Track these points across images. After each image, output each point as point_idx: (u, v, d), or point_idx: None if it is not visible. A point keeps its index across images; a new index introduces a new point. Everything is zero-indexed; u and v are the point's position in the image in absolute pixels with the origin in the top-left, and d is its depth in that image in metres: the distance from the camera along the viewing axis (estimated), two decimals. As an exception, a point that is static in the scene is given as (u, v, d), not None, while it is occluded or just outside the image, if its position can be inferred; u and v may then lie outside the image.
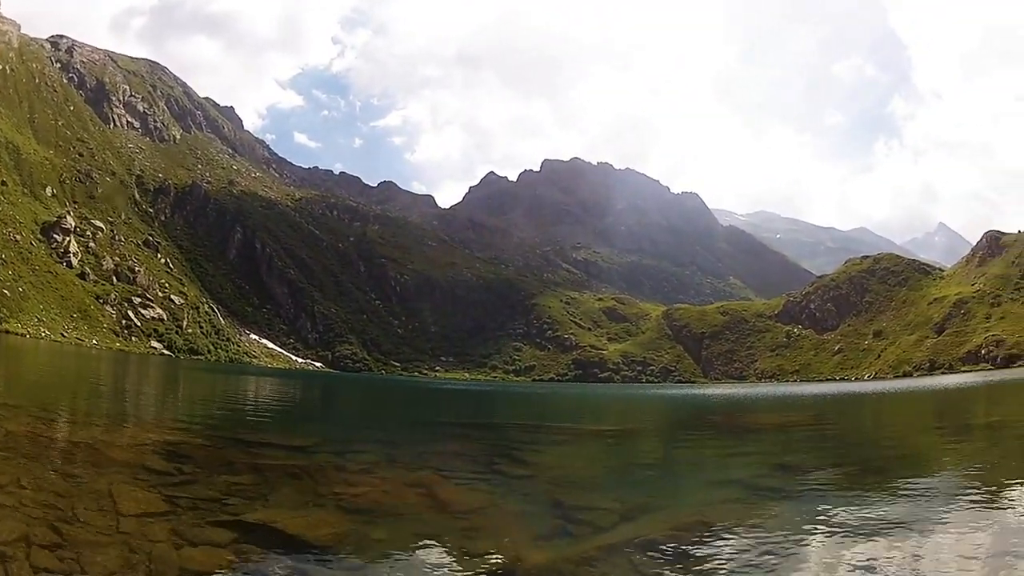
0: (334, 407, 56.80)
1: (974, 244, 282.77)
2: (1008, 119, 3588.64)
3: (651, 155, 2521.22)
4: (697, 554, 11.41)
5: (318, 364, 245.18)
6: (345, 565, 10.79)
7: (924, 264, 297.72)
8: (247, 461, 18.30)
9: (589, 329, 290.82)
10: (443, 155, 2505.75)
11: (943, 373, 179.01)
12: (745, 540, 12.12)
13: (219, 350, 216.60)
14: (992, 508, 13.71)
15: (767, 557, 11.16)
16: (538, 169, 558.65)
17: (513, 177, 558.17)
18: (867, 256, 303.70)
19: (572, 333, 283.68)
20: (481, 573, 10.67)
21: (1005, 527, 12.26)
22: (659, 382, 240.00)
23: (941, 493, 15.57)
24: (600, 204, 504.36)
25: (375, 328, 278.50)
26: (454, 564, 11.16)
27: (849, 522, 13.08)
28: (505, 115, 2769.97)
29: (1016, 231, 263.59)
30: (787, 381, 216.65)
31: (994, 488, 15.76)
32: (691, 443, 33.63)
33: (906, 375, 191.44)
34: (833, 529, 12.67)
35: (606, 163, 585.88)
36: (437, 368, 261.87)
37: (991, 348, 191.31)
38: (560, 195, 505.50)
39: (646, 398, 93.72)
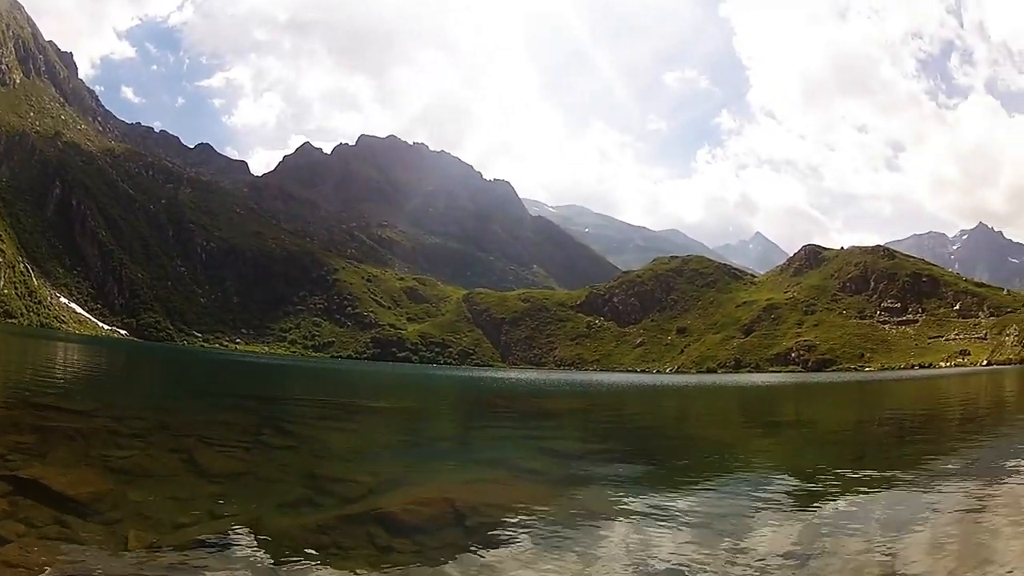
0: (126, 376, 55.71)
1: (791, 255, 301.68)
2: (842, 146, 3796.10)
3: (467, 141, 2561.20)
4: (428, 528, 11.63)
5: (123, 332, 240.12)
6: (99, 520, 11.09)
7: (735, 269, 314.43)
8: (33, 423, 18.89)
9: (389, 308, 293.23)
10: (260, 121, 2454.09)
11: (749, 372, 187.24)
12: (480, 519, 12.27)
13: (31, 313, 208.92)
14: (764, 501, 14.14)
15: (497, 533, 11.59)
16: (354, 143, 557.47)
17: (328, 149, 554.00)
18: (676, 256, 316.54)
19: (372, 311, 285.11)
20: (219, 534, 10.87)
21: (782, 523, 12.72)
22: (457, 364, 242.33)
23: (710, 485, 16.23)
24: (411, 185, 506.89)
25: (179, 297, 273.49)
26: (197, 525, 11.25)
27: (600, 508, 13.53)
28: (327, 87, 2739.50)
29: (839, 247, 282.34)
30: (587, 370, 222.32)
31: (775, 481, 16.86)
32: (467, 423, 34.15)
33: (710, 371, 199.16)
34: (578, 512, 13.06)
35: (421, 144, 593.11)
36: (238, 340, 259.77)
37: (802, 352, 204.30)
38: (373, 172, 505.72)
39: (435, 378, 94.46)
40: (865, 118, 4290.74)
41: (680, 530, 11.92)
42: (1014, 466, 17.44)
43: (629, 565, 10.13)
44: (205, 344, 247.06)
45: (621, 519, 12.70)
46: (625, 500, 14.16)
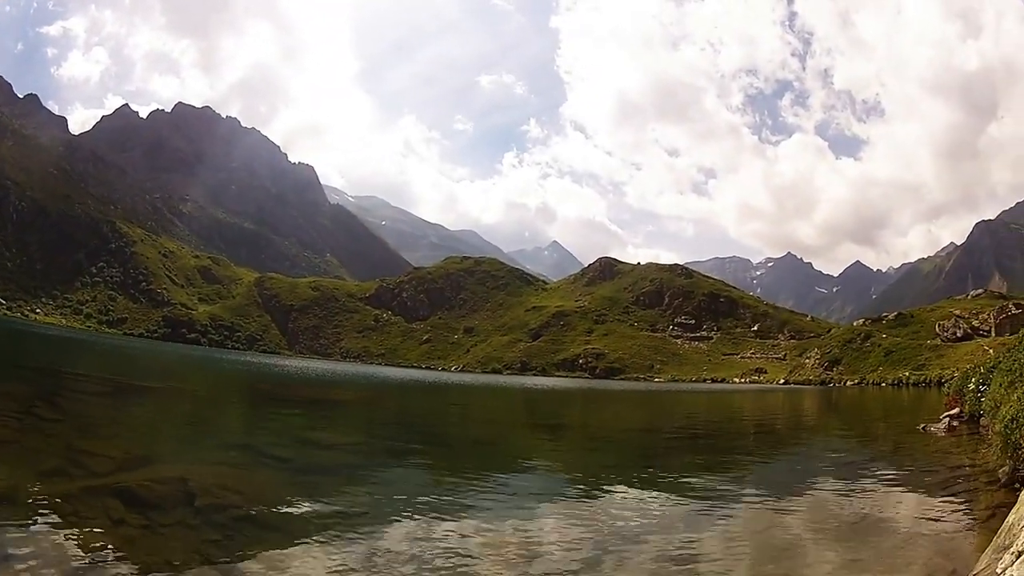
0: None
1: (586, 265, 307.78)
2: (650, 166, 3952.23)
3: (278, 119, 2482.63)
4: (160, 505, 11.53)
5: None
6: None
7: (527, 274, 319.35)
8: None
9: (182, 287, 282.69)
10: (84, 76, 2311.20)
11: (535, 375, 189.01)
12: (211, 500, 12.09)
13: None
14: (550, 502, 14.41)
15: (222, 515, 11.34)
16: (170, 110, 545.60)
17: (145, 114, 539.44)
18: (469, 257, 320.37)
19: (165, 288, 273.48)
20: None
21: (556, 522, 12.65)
22: (245, 349, 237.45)
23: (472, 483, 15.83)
24: (218, 159, 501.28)
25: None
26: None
27: (344, 500, 13.33)
28: (154, 47, 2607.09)
29: (635, 263, 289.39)
30: (372, 363, 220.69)
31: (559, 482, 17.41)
32: (237, 409, 33.95)
33: (495, 372, 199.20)
34: (317, 502, 12.95)
35: (234, 118, 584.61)
36: (38, 310, 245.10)
37: (590, 359, 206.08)
38: (183, 143, 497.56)
39: (219, 362, 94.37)
40: (678, 143, 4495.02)
41: (437, 526, 11.90)
42: (801, 472, 20.08)
43: (363, 559, 10.02)
44: (8, 312, 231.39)
45: (368, 513, 12.55)
46: (381, 494, 14.20)
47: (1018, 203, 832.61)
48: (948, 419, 28.22)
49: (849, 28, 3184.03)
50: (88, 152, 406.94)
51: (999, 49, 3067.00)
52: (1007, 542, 7.47)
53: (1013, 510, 8.47)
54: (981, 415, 23.58)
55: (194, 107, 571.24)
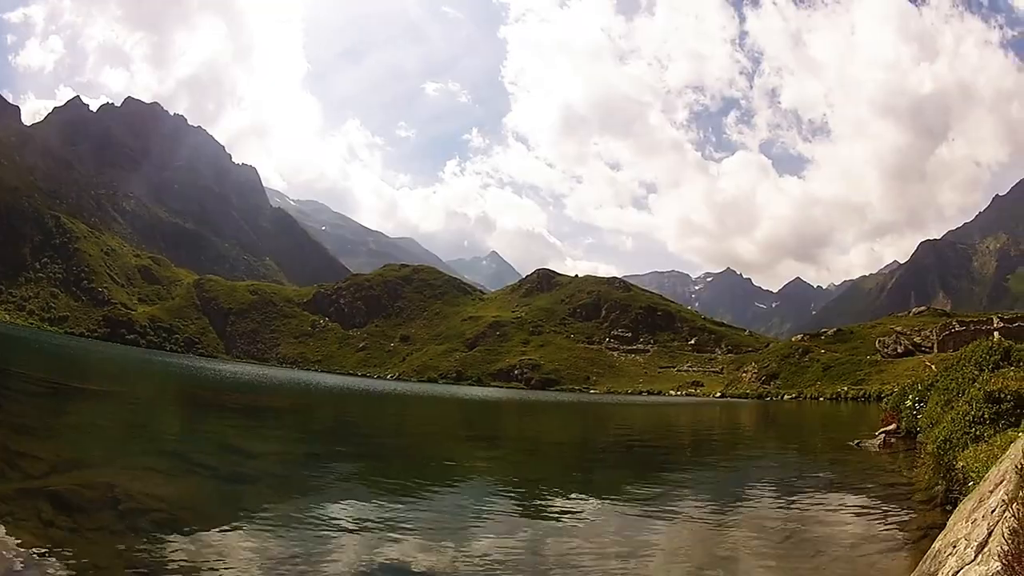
0: None
1: (524, 276, 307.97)
2: (591, 179, 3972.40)
3: (224, 117, 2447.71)
4: (87, 508, 11.82)
5: None
6: None
7: (465, 283, 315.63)
8: None
9: (123, 286, 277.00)
10: (39, 66, 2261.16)
11: (471, 385, 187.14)
12: (134, 505, 12.31)
13: None
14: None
15: (144, 521, 11.54)
16: (119, 105, 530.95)
17: (95, 107, 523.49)
18: (407, 265, 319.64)
19: (106, 287, 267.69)
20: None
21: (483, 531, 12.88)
22: (183, 352, 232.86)
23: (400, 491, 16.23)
24: (164, 157, 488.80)
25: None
26: None
27: (266, 510, 13.42)
28: (107, 38, 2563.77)
29: (573, 275, 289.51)
30: (309, 369, 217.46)
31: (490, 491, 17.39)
32: (170, 414, 33.74)
33: (431, 381, 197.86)
34: (224, 509, 13.34)
35: (181, 116, 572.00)
36: None
37: (526, 370, 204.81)
38: (130, 138, 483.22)
39: (157, 364, 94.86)
40: (621, 157, 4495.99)
41: (367, 537, 12.13)
42: (735, 487, 19.87)
43: (280, 569, 10.15)
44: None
45: (289, 524, 12.54)
46: (305, 504, 14.20)
47: (965, 223, 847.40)
48: (884, 435, 28.48)
49: (800, 48, 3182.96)
50: (39, 144, 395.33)
51: (955, 73, 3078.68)
52: (932, 569, 7.40)
53: (940, 536, 8.42)
54: (918, 431, 23.97)
55: (143, 102, 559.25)
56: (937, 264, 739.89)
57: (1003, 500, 6.67)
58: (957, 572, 6.52)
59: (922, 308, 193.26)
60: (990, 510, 6.94)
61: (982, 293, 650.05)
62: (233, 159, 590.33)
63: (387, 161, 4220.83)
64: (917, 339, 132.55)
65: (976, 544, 6.59)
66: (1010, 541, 5.43)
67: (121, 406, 33.15)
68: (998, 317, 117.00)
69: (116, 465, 16.32)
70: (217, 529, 11.75)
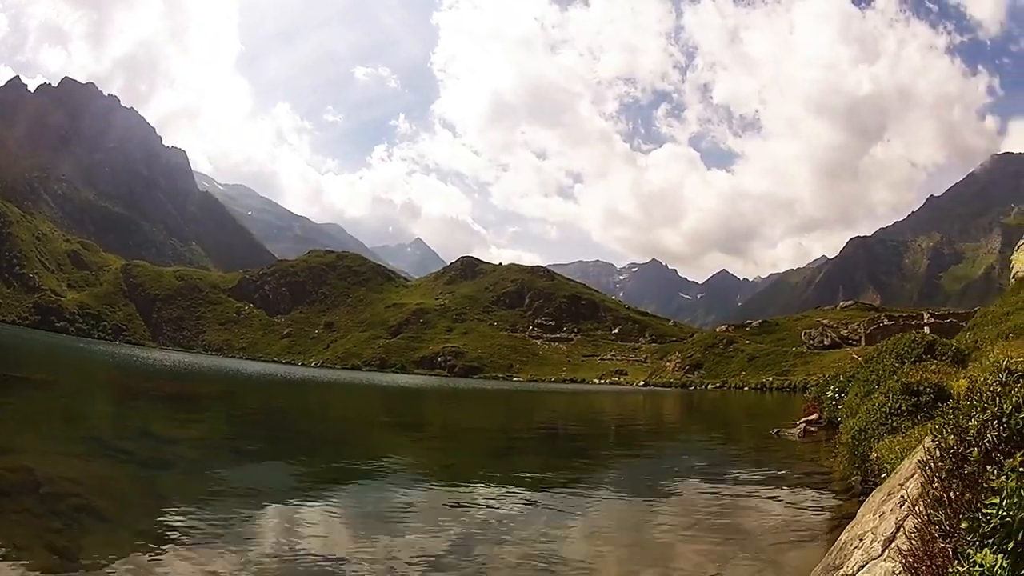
0: None
1: (448, 263, 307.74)
2: (517, 168, 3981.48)
3: (156, 98, 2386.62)
4: (9, 492, 12.11)
5: None
6: None
7: (389, 270, 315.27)
8: None
9: (53, 272, 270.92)
10: None
11: (394, 372, 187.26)
12: (53, 489, 12.41)
13: None
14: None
15: (63, 504, 11.69)
16: (56, 85, 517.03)
17: (33, 87, 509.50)
18: (332, 251, 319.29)
19: (37, 273, 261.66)
20: None
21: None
22: (111, 340, 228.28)
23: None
24: (96, 138, 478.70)
25: None
26: None
27: (180, 493, 13.63)
28: (49, 16, 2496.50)
29: (497, 263, 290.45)
30: (234, 356, 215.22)
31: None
32: (92, 401, 33.70)
33: (355, 368, 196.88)
34: (139, 493, 13.63)
35: (114, 97, 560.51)
36: None
37: (449, 357, 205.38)
38: (65, 119, 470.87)
39: (84, 352, 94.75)
40: (548, 146, 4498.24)
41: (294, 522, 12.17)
42: (652, 474, 20.30)
43: (191, 552, 10.08)
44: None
45: (207, 507, 12.67)
46: (222, 489, 14.46)
47: (897, 222, 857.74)
48: (804, 425, 28.78)
49: (736, 44, 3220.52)
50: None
51: (895, 76, 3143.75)
52: (837, 562, 7.35)
53: (847, 528, 8.38)
54: (839, 421, 24.01)
55: (79, 83, 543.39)
56: (867, 260, 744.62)
57: (904, 497, 6.69)
58: (863, 566, 6.44)
59: (850, 302, 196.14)
60: (899, 504, 6.87)
61: (913, 290, 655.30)
62: (163, 142, 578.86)
63: (315, 145, 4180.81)
64: (844, 332, 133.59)
65: (883, 539, 6.52)
66: (913, 540, 5.30)
67: (47, 393, 32.63)
68: (928, 312, 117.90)
69: (38, 451, 16.37)
70: (132, 512, 12.02)
